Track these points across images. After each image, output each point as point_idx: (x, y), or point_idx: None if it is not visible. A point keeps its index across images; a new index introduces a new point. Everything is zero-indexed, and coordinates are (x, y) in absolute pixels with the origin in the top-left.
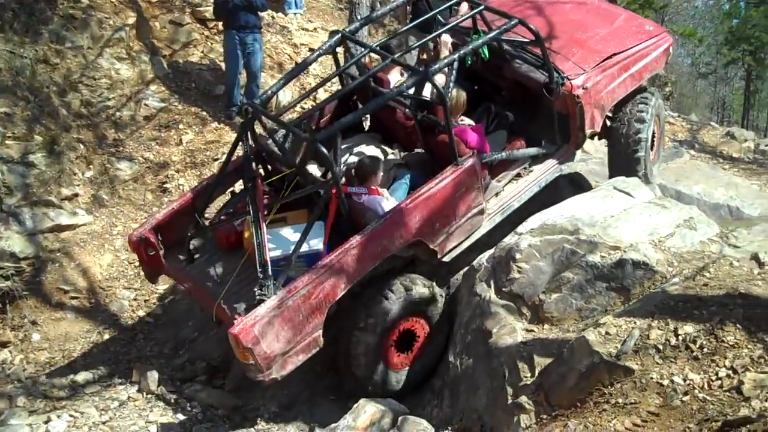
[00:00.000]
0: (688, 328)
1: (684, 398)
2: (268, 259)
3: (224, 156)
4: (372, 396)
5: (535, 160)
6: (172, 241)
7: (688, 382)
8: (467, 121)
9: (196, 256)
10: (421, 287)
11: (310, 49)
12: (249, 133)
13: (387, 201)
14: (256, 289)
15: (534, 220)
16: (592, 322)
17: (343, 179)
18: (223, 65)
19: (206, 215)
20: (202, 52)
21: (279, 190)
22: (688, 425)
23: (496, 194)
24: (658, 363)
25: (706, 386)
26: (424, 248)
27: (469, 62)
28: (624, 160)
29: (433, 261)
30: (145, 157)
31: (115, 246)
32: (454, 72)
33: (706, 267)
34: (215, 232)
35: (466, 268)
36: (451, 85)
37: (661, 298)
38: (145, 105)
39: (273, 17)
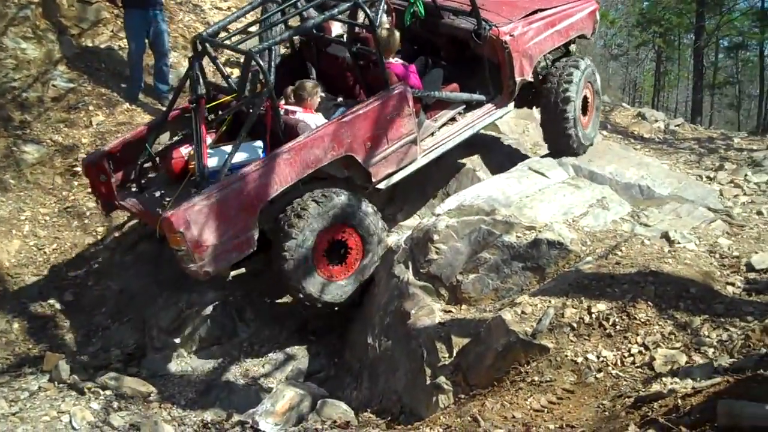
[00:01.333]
0: (602, 306)
1: (598, 375)
2: (207, 163)
3: None
4: (318, 309)
5: (470, 107)
6: (123, 173)
7: (601, 359)
8: (400, 61)
9: (147, 188)
10: (342, 196)
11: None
12: (198, 65)
13: (321, 119)
14: (192, 189)
15: (451, 201)
16: (508, 301)
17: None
18: None
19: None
20: (112, 31)
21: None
22: (602, 402)
23: (432, 134)
24: (572, 341)
25: (619, 363)
26: (358, 169)
27: (408, 21)
28: (554, 120)
29: (367, 186)
30: (53, 139)
31: (23, 232)
32: (382, 4)
33: (619, 246)
34: (164, 161)
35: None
36: (385, 18)
37: (575, 276)
38: (53, 86)
39: None
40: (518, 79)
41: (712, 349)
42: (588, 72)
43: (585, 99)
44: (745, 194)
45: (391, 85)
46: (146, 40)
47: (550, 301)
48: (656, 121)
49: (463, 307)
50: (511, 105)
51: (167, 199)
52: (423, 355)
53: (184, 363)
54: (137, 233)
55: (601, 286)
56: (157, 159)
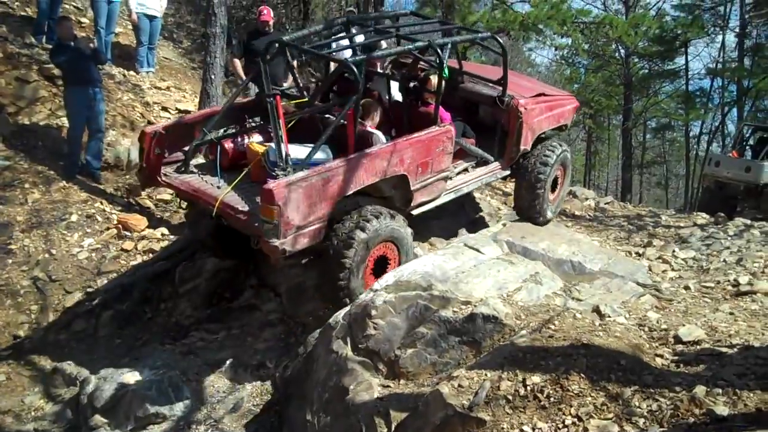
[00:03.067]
0: (536, 379)
1: None
2: (288, 150)
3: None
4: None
5: (478, 164)
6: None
7: (537, 430)
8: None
9: (194, 170)
10: (397, 217)
11: (163, 108)
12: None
13: (383, 136)
14: (277, 170)
15: (389, 277)
16: (445, 375)
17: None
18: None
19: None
20: (50, 109)
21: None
22: None
23: (450, 178)
24: (508, 413)
25: None
26: (404, 189)
27: (446, 74)
28: (526, 193)
29: (403, 209)
30: None
31: None
32: (447, 49)
33: (552, 319)
34: (221, 146)
35: (322, 326)
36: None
37: (510, 350)
38: None
39: (125, 75)
40: (522, 147)
41: (642, 419)
42: (563, 156)
43: (556, 179)
44: (672, 269)
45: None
46: (85, 118)
47: (486, 374)
48: (587, 199)
49: (402, 381)
50: (508, 171)
51: (219, 184)
52: (362, 431)
53: None
54: (72, 313)
55: (535, 359)
56: (218, 144)
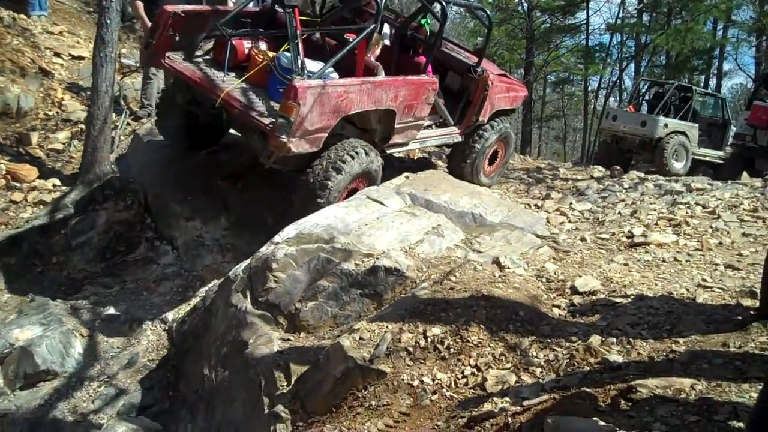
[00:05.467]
0: (436, 330)
1: (433, 397)
2: (303, 59)
3: None
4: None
5: (438, 124)
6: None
7: (436, 381)
8: None
9: (199, 61)
10: (372, 153)
11: (56, 53)
12: None
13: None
14: (293, 75)
15: (290, 229)
16: (346, 328)
17: None
18: None
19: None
20: None
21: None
22: (437, 423)
23: (422, 127)
24: (408, 365)
25: (453, 384)
26: (388, 126)
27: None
28: (461, 164)
29: (379, 146)
30: None
31: None
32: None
33: (453, 271)
34: (231, 43)
35: (221, 280)
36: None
37: (412, 302)
38: None
39: (14, 19)
40: (481, 118)
41: (539, 369)
42: (504, 132)
43: (496, 152)
44: (570, 222)
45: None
46: None
47: (387, 327)
48: None
49: (302, 335)
50: (462, 138)
51: (224, 78)
52: (261, 385)
53: (8, 401)
54: None
55: (436, 311)
56: (229, 40)
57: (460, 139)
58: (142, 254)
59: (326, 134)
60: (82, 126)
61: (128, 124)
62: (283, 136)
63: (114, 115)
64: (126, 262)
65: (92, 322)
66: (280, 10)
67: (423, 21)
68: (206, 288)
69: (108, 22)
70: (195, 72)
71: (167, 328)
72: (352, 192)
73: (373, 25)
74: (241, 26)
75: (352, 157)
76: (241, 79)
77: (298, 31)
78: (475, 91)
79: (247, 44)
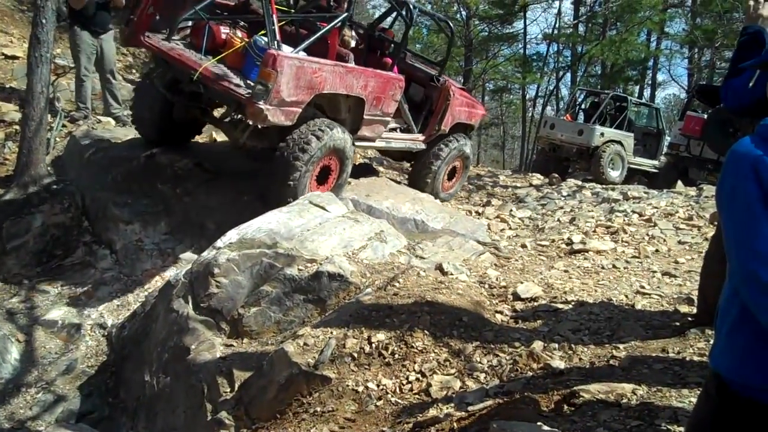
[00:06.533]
0: (381, 336)
1: (378, 403)
2: (279, 40)
3: None
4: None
5: (402, 130)
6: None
7: (381, 387)
8: None
9: (178, 43)
10: (337, 129)
11: None
12: None
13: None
14: (271, 49)
15: (232, 234)
16: (290, 334)
17: None
18: None
19: None
20: None
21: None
22: (382, 429)
23: (388, 125)
24: (353, 370)
25: (398, 390)
26: (357, 116)
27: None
28: (419, 177)
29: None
30: None
31: None
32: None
33: (396, 277)
34: (209, 26)
35: (161, 284)
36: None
37: (356, 308)
38: None
39: None
40: (443, 127)
41: (483, 374)
42: (462, 149)
43: (454, 168)
44: (510, 228)
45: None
46: None
47: (331, 332)
48: None
49: (245, 340)
50: (425, 146)
51: (202, 58)
52: (203, 391)
53: None
54: None
55: (380, 317)
56: (207, 24)
57: (423, 146)
58: (79, 258)
59: (300, 109)
60: (17, 127)
61: (64, 125)
62: (261, 102)
63: (49, 116)
64: (63, 266)
65: (29, 328)
66: (254, 2)
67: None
68: (146, 293)
69: (44, 21)
70: (173, 50)
71: (106, 333)
72: (324, 170)
73: (345, 14)
74: (217, 15)
75: (323, 132)
76: (219, 56)
77: (274, 15)
78: (437, 100)
79: (224, 30)
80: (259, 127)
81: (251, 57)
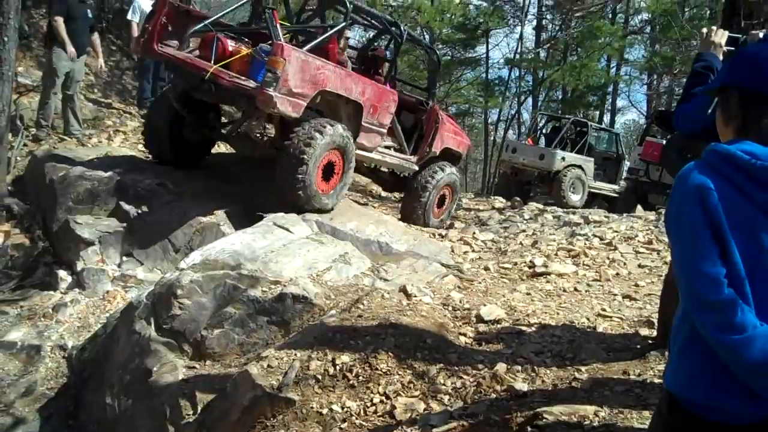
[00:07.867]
0: (345, 358)
1: (342, 425)
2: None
3: None
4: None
5: (396, 150)
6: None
7: (345, 409)
8: None
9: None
10: (339, 127)
11: None
12: None
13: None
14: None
15: (195, 255)
16: (254, 356)
17: None
18: None
19: None
20: None
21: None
22: None
23: (383, 137)
24: (318, 392)
25: (362, 413)
26: (354, 123)
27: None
28: (413, 205)
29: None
30: None
31: None
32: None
33: (361, 299)
34: (217, 38)
35: (123, 306)
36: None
37: (320, 330)
38: None
39: None
40: (434, 149)
41: (447, 396)
42: (450, 177)
43: (444, 196)
44: (473, 251)
45: None
46: None
47: (295, 354)
48: None
49: (208, 362)
50: (417, 167)
51: (211, 65)
52: (166, 414)
53: None
54: None
55: (344, 339)
56: (216, 36)
57: (415, 167)
58: (39, 279)
59: (305, 103)
60: None
61: (25, 144)
62: (270, 89)
63: (10, 135)
64: (23, 287)
65: None
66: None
67: None
68: (108, 315)
69: (5, 39)
70: (185, 56)
71: (67, 355)
72: (328, 166)
73: (344, 23)
74: (224, 28)
75: (326, 128)
76: (226, 60)
77: (278, 26)
78: (427, 122)
79: (231, 43)
80: (267, 113)
81: (257, 63)
